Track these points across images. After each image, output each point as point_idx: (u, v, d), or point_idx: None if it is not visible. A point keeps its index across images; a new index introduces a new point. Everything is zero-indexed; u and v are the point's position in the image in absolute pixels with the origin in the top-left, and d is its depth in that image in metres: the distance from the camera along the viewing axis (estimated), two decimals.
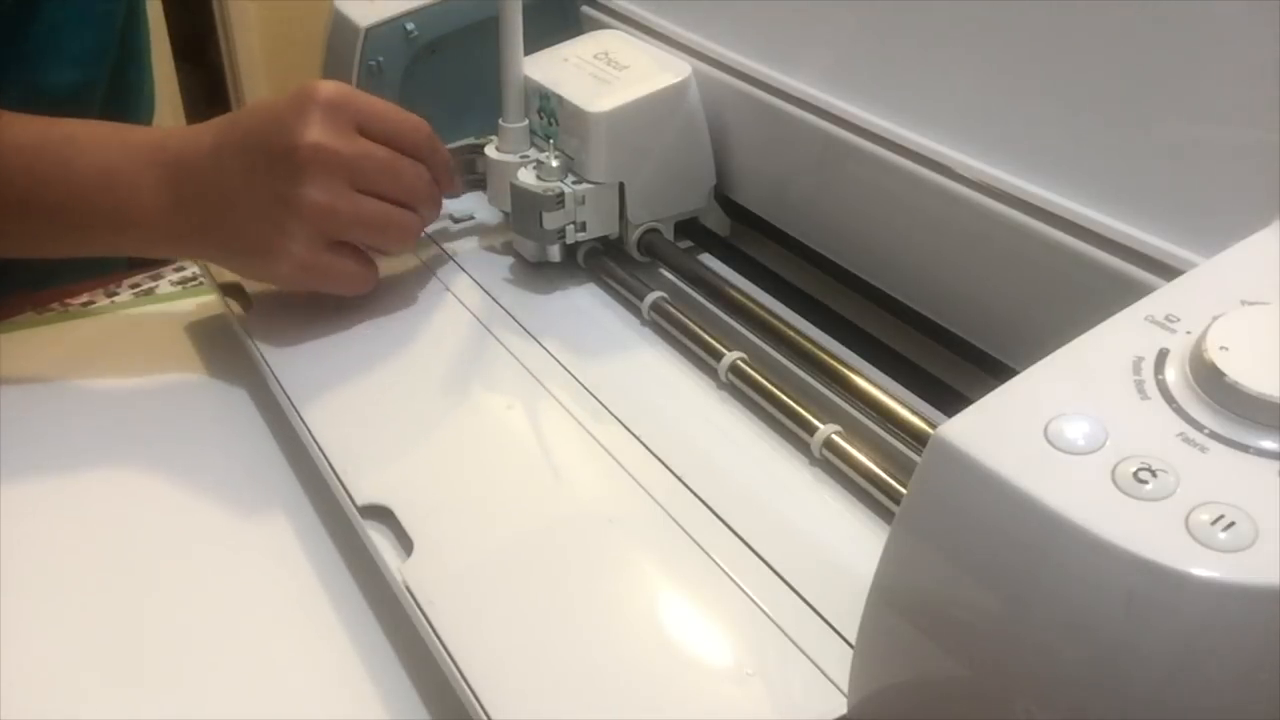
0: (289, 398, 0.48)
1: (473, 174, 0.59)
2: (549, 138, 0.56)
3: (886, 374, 0.47)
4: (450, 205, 0.63)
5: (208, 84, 1.95)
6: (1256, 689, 0.23)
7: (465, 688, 0.35)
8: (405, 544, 0.40)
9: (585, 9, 0.64)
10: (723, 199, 0.59)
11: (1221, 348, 0.26)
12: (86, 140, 0.51)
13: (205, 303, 0.59)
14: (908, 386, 0.46)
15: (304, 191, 0.48)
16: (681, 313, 0.52)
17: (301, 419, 0.47)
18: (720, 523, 0.41)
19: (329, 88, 0.49)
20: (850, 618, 0.30)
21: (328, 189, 0.48)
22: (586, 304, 0.55)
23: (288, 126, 0.48)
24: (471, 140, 0.59)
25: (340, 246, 0.51)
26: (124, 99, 0.71)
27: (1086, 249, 0.39)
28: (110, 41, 0.69)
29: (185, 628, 0.41)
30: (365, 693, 0.39)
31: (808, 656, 0.35)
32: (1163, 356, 0.28)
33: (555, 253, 0.56)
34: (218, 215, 0.50)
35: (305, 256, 0.50)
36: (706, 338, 0.50)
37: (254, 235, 0.50)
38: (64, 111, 0.53)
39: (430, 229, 0.61)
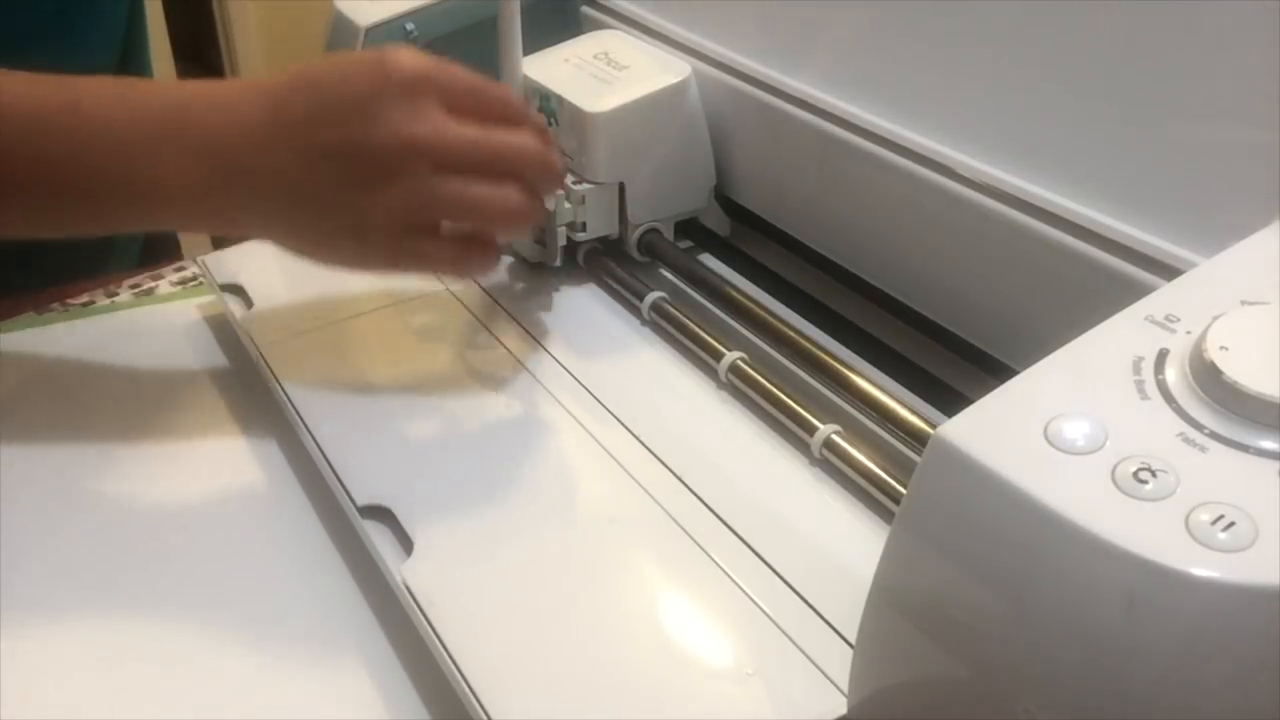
0: (289, 398, 0.48)
1: None
2: None
3: (886, 374, 0.47)
4: None
5: None
6: (1256, 689, 0.23)
7: (465, 688, 0.35)
8: (405, 544, 0.40)
9: (585, 9, 0.64)
10: (723, 199, 0.59)
11: (1221, 348, 0.26)
12: (92, 107, 0.44)
13: (205, 303, 0.59)
14: (908, 386, 0.46)
15: (389, 190, 0.43)
16: (681, 313, 0.52)
17: (301, 419, 0.47)
18: (720, 523, 0.41)
19: (407, 63, 0.43)
20: (850, 618, 0.31)
21: (414, 182, 0.44)
22: (586, 304, 0.55)
23: (366, 115, 0.43)
24: None
25: (433, 231, 0.46)
26: None
27: (1086, 249, 0.39)
28: (118, 28, 0.68)
29: (185, 627, 0.41)
30: (365, 693, 0.39)
31: (808, 656, 0.35)
32: (1163, 356, 0.28)
33: (555, 253, 0.56)
34: (274, 203, 0.45)
35: (392, 248, 0.45)
36: (706, 338, 0.50)
37: (328, 228, 0.45)
38: None
39: None
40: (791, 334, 0.48)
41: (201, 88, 0.45)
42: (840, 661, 0.35)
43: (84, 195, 0.45)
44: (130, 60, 0.71)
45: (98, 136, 0.44)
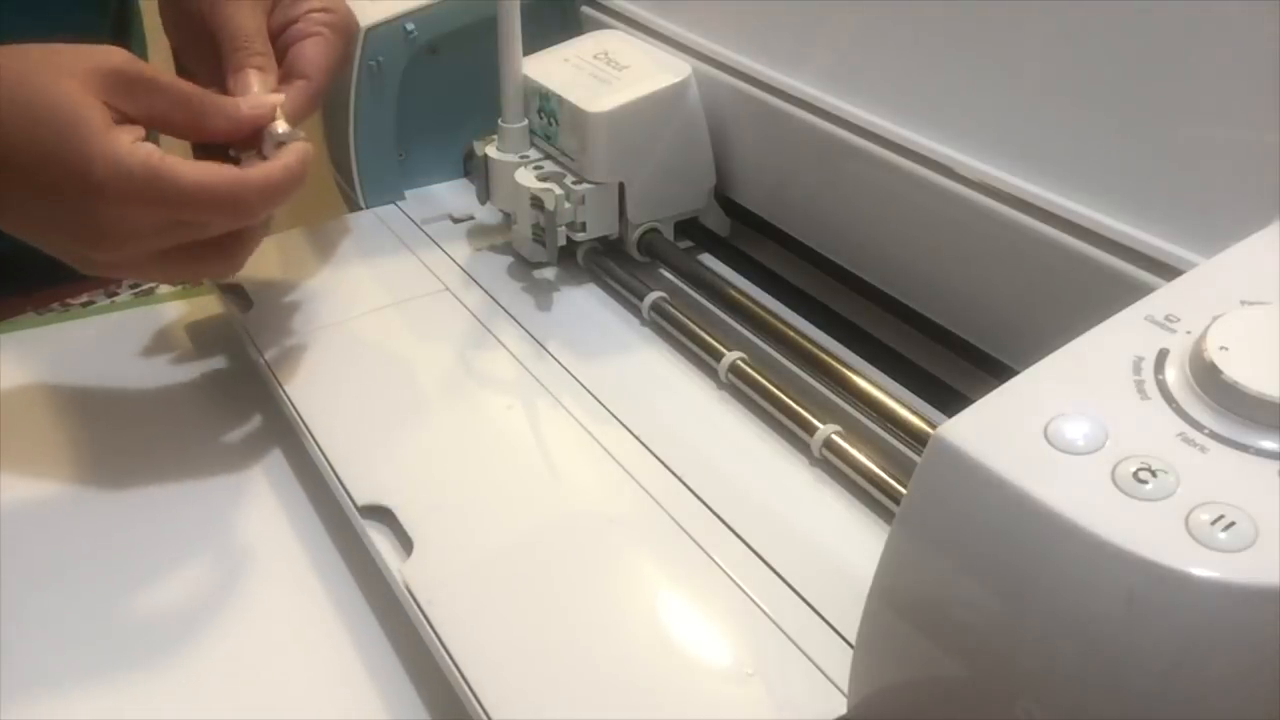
0: (289, 398, 0.48)
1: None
2: (549, 138, 0.56)
3: (886, 374, 0.47)
4: (450, 205, 0.63)
5: None
6: (1256, 689, 0.23)
7: (465, 688, 0.35)
8: (405, 544, 0.40)
9: (585, 9, 0.64)
10: (723, 199, 0.59)
11: (1221, 348, 0.26)
12: None
13: (205, 303, 0.59)
14: (908, 386, 0.46)
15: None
16: (681, 313, 0.52)
17: (301, 419, 0.47)
18: (720, 522, 0.41)
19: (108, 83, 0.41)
20: (850, 618, 0.30)
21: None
22: (586, 304, 0.55)
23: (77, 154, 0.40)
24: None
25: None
26: None
27: (1086, 249, 0.39)
28: (100, 15, 0.68)
29: (185, 627, 0.41)
30: (365, 693, 0.39)
31: (808, 656, 0.35)
32: (1163, 356, 0.28)
33: (555, 253, 0.56)
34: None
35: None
36: (706, 338, 0.50)
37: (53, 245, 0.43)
38: None
39: (430, 229, 0.61)
40: (791, 334, 0.48)
41: None
42: (840, 661, 0.35)
43: None
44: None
45: None
